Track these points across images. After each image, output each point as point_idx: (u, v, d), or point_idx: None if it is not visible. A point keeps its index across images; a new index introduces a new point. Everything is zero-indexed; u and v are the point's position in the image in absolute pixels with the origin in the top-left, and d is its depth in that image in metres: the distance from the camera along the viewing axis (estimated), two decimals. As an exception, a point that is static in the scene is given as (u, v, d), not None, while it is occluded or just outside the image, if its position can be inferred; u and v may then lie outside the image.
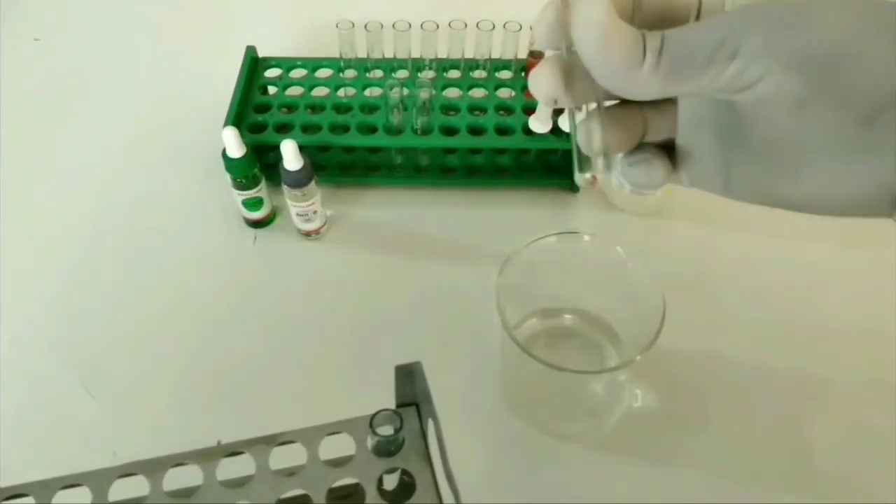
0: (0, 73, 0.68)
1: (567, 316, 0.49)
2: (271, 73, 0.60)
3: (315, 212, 0.53)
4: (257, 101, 0.57)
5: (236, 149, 0.50)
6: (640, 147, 0.29)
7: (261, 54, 0.61)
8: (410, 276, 0.53)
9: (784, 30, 0.22)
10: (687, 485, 0.43)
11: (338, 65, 0.60)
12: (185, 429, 0.45)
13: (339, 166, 0.59)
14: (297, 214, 0.53)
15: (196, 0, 0.75)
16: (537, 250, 0.43)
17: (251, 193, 0.53)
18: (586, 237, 0.44)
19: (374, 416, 0.30)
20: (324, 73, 0.60)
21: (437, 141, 0.55)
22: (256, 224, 0.56)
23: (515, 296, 0.42)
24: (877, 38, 0.22)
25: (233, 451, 0.30)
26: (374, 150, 0.59)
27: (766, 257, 0.54)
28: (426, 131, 0.55)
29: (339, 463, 0.31)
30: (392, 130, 0.55)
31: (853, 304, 0.52)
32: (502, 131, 0.55)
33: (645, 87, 0.24)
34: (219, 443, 0.44)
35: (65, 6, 0.75)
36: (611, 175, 0.27)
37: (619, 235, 0.53)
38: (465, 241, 0.55)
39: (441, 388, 0.47)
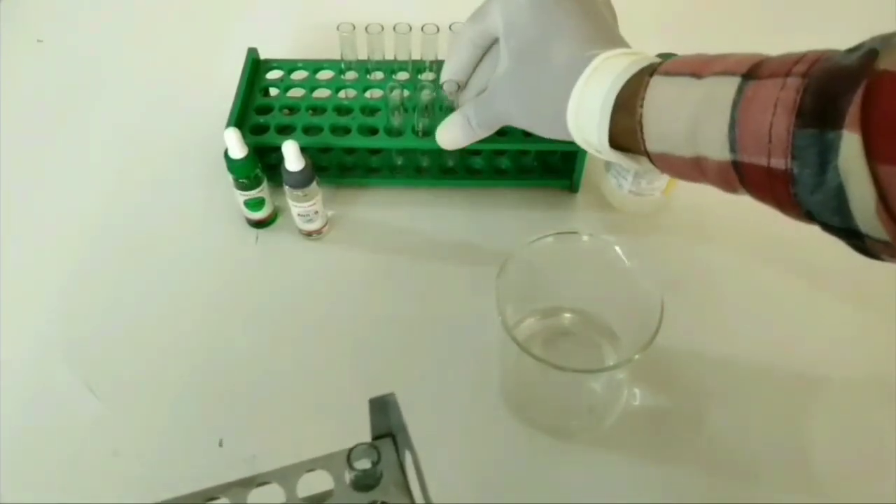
0: (2, 74, 0.68)
1: (566, 315, 0.49)
2: (273, 74, 0.60)
3: (316, 212, 0.53)
4: (259, 103, 0.57)
5: (238, 150, 0.50)
6: None
7: (262, 56, 0.61)
8: (411, 275, 0.54)
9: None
10: (686, 484, 0.43)
11: (339, 67, 0.61)
12: (187, 428, 0.46)
13: (339, 167, 0.59)
14: (299, 215, 0.53)
15: (198, 2, 0.75)
16: (537, 250, 0.43)
17: (253, 194, 0.53)
18: (585, 237, 0.44)
19: (350, 450, 0.30)
20: (325, 74, 0.61)
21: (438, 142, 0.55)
22: (258, 224, 0.56)
23: (515, 295, 0.43)
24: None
25: (210, 496, 0.30)
26: (374, 151, 0.59)
27: (764, 257, 0.55)
28: (426, 133, 0.55)
29: (318, 500, 0.31)
30: (392, 132, 0.55)
31: (853, 303, 0.52)
32: (501, 132, 0.56)
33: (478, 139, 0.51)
34: (220, 442, 0.45)
35: (68, 8, 0.75)
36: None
37: (618, 235, 0.53)
38: (465, 241, 0.56)
39: (440, 388, 0.47)
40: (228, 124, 0.54)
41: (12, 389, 0.47)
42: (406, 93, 0.55)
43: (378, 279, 0.54)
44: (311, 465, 0.31)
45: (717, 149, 0.34)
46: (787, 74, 0.31)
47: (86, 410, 0.46)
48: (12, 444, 0.45)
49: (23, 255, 0.55)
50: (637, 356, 0.38)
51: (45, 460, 0.45)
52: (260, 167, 0.53)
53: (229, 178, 0.52)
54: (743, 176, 0.34)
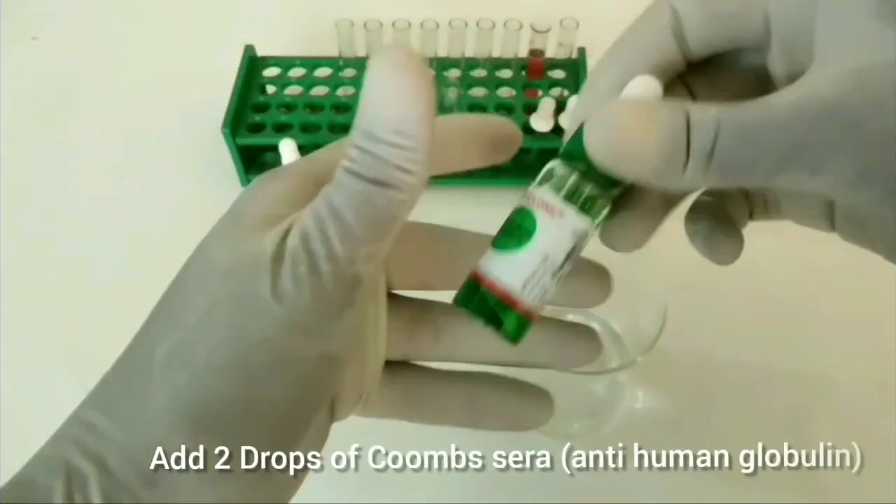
0: (-2, 72, 0.67)
1: (568, 316, 0.49)
2: (270, 72, 0.60)
3: (314, 212, 0.53)
4: (256, 101, 0.57)
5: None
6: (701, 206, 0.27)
7: (259, 53, 0.60)
8: (410, 276, 0.53)
9: (882, 153, 0.17)
10: (687, 485, 0.43)
11: (337, 64, 0.60)
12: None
13: (338, 166, 0.58)
14: (296, 214, 0.53)
15: (195, -1, 0.75)
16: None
17: None
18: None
19: None
20: (323, 72, 0.60)
21: (437, 140, 0.55)
22: None
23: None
24: None
25: None
26: (373, 149, 0.59)
27: (767, 257, 0.54)
28: (426, 131, 0.55)
29: None
30: (391, 130, 0.55)
31: (854, 303, 0.52)
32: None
33: (687, 186, 0.21)
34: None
35: (62, 6, 0.75)
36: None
37: (620, 235, 0.53)
38: (465, 241, 0.55)
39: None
40: (225, 122, 0.53)
41: (10, 391, 0.47)
42: (405, 90, 0.54)
43: (377, 279, 0.53)
44: None
45: None
46: None
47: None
48: (12, 444, 0.44)
49: (16, 254, 0.54)
50: (640, 358, 0.38)
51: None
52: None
53: (228, 177, 0.51)
54: None
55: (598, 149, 0.20)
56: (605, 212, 0.23)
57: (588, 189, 0.23)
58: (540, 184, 0.24)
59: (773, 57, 0.21)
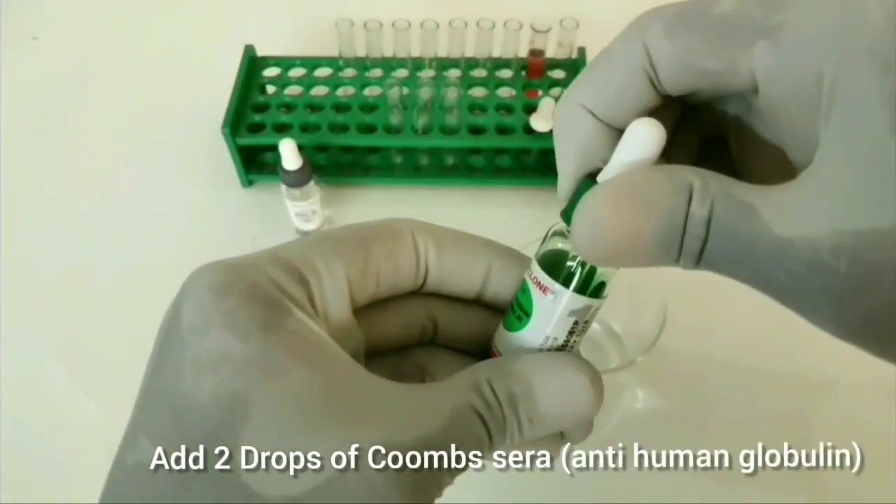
0: (-2, 72, 0.67)
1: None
2: (270, 72, 0.60)
3: (314, 212, 0.53)
4: (256, 101, 0.57)
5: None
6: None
7: (259, 53, 0.60)
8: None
9: (885, 317, 0.17)
10: (687, 485, 0.43)
11: (337, 64, 0.60)
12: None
13: (338, 166, 0.58)
14: (296, 214, 0.53)
15: (195, -1, 0.75)
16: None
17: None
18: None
19: None
20: (323, 72, 0.60)
21: (437, 140, 0.55)
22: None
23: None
24: None
25: None
26: (373, 149, 0.59)
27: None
28: (426, 131, 0.54)
29: None
30: (391, 130, 0.55)
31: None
32: (503, 130, 0.55)
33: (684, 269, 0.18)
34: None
35: (63, 6, 0.75)
36: None
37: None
38: (465, 241, 0.55)
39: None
40: (225, 122, 0.53)
41: (11, 391, 0.47)
42: (405, 90, 0.54)
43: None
44: None
45: None
46: None
47: (82, 413, 0.46)
48: (11, 445, 0.44)
49: (16, 254, 0.54)
50: (640, 358, 0.38)
51: (43, 462, 0.44)
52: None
53: (228, 177, 0.51)
54: None
55: (586, 251, 0.18)
56: (605, 288, 0.21)
57: (582, 270, 0.21)
58: (541, 253, 0.22)
59: (758, 112, 0.19)
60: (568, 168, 0.21)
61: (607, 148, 0.19)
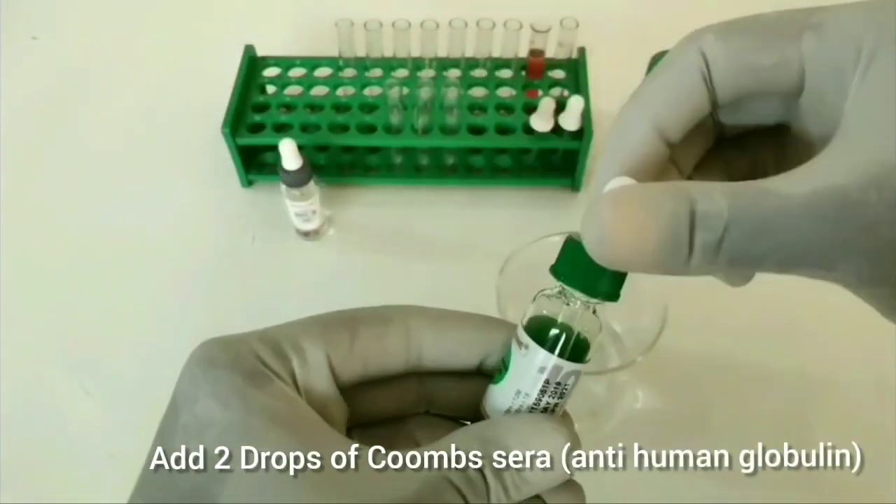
0: (-2, 72, 0.67)
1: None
2: (270, 72, 0.60)
3: (314, 212, 0.53)
4: (256, 101, 0.57)
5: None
6: None
7: (259, 53, 0.60)
8: (410, 275, 0.53)
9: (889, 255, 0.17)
10: (687, 485, 0.43)
11: (337, 64, 0.60)
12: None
13: (337, 166, 0.58)
14: (296, 214, 0.53)
15: (195, -1, 0.75)
16: (537, 250, 0.43)
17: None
18: (587, 237, 0.43)
19: None
20: (323, 72, 0.60)
21: (437, 140, 0.55)
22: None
23: (515, 296, 0.42)
24: None
25: None
26: (373, 149, 0.59)
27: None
28: (426, 131, 0.54)
29: None
30: (391, 130, 0.55)
31: (854, 304, 0.51)
32: (503, 130, 0.55)
33: (693, 274, 0.19)
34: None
35: (63, 6, 0.75)
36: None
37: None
38: (465, 240, 0.55)
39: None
40: (225, 122, 0.53)
41: (10, 391, 0.47)
42: (405, 90, 0.54)
43: (377, 279, 0.53)
44: None
45: None
46: None
47: (81, 413, 0.46)
48: (11, 445, 0.44)
49: (17, 253, 0.54)
50: (640, 358, 0.38)
51: (42, 462, 0.44)
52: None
53: (228, 177, 0.51)
54: None
55: (594, 249, 0.19)
56: (586, 354, 0.22)
57: (560, 332, 0.21)
58: (527, 316, 0.23)
59: (800, 110, 0.21)
60: (609, 173, 0.21)
61: (654, 162, 0.21)
